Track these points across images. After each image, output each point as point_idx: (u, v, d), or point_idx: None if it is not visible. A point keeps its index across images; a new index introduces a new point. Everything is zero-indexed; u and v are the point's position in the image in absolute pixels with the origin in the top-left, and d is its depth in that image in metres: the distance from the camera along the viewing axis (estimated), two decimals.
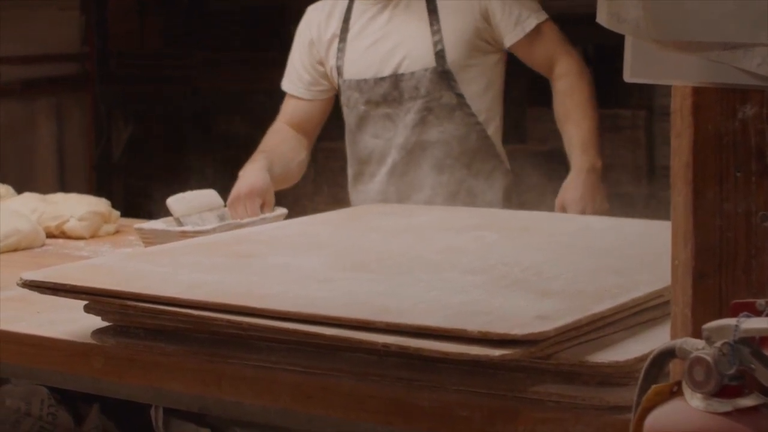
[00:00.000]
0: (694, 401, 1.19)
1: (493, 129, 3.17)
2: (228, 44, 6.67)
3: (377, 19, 3.20)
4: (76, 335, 1.92)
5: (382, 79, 3.16)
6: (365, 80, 3.19)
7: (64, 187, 6.23)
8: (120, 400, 2.01)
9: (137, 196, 6.35)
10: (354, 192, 3.32)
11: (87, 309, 1.88)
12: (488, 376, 1.58)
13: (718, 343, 1.17)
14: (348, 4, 3.24)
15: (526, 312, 1.59)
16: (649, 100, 5.34)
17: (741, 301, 1.22)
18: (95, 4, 6.64)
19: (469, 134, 3.14)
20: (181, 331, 1.82)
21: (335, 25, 3.25)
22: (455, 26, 3.10)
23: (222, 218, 2.79)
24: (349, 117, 3.26)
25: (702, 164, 1.27)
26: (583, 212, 2.93)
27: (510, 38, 3.09)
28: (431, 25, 3.11)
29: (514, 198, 3.25)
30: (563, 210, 2.94)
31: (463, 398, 1.58)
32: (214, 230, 2.59)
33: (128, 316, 1.85)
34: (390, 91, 3.15)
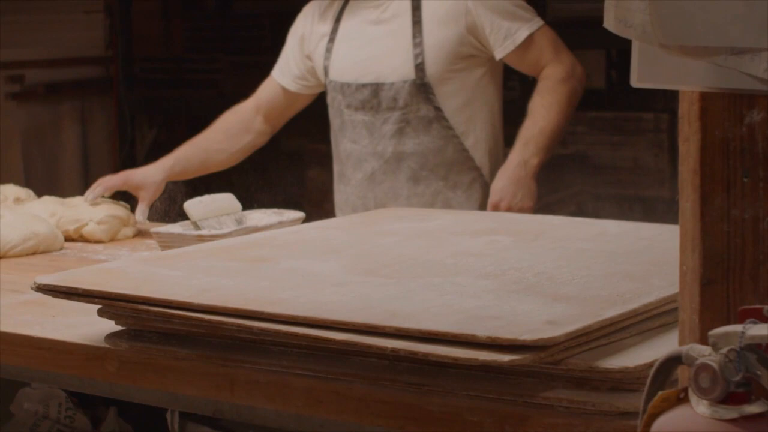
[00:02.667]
0: (700, 408, 1.19)
1: (473, 141, 3.18)
2: (252, 48, 6.67)
3: (365, 24, 3.23)
4: (91, 339, 1.93)
5: (364, 85, 3.19)
6: (348, 84, 3.22)
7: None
8: (137, 403, 2.01)
9: (161, 200, 6.37)
10: (336, 191, 3.38)
11: (100, 313, 1.89)
12: (498, 382, 1.58)
13: (724, 350, 1.17)
14: (342, 4, 3.28)
15: (537, 317, 1.59)
16: (672, 104, 5.32)
17: (748, 307, 1.21)
18: (120, 8, 6.65)
19: (446, 147, 3.17)
20: (193, 335, 1.83)
21: (328, 23, 3.29)
22: (438, 40, 3.12)
23: (239, 222, 2.79)
24: (333, 118, 3.32)
25: (709, 170, 1.26)
26: (499, 202, 2.97)
27: (500, 51, 3.11)
28: (414, 36, 3.13)
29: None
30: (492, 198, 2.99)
31: (473, 403, 1.57)
32: (230, 234, 2.59)
33: (141, 320, 1.85)
34: (370, 98, 3.19)
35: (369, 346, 1.59)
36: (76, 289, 1.86)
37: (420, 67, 3.12)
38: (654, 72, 1.28)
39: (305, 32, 3.35)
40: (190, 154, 3.39)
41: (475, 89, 3.18)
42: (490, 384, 1.58)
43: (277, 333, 1.68)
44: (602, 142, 5.22)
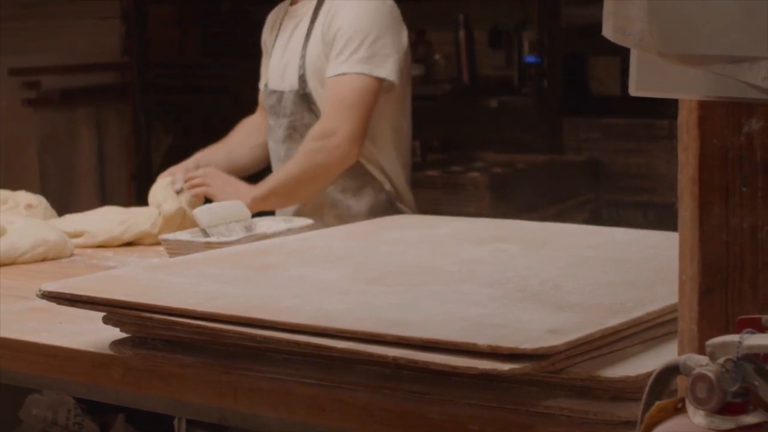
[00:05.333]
0: (697, 418, 1.18)
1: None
2: None
3: (286, 37, 3.47)
4: (96, 346, 1.93)
5: (273, 92, 3.45)
6: (266, 90, 3.51)
7: (105, 196, 6.27)
8: (145, 410, 2.02)
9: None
10: None
11: (105, 320, 1.89)
12: (500, 390, 1.58)
13: (721, 360, 1.16)
14: (281, 19, 3.55)
15: (539, 326, 1.59)
16: None
17: (746, 317, 1.20)
18: (136, 14, 6.66)
19: None
20: (197, 343, 1.83)
21: (273, 35, 3.58)
22: (315, 53, 3.34)
23: (248, 229, 2.79)
24: (267, 119, 3.55)
25: (708, 179, 1.26)
26: (202, 175, 3.25)
27: (328, 72, 3.32)
28: (302, 49, 3.36)
29: (391, 212, 3.40)
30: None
31: (475, 412, 1.57)
32: (238, 241, 2.59)
33: (145, 327, 1.85)
34: (275, 105, 3.44)
35: (371, 355, 1.59)
36: (81, 296, 1.86)
37: (302, 78, 3.35)
38: (653, 80, 1.27)
39: (265, 40, 3.64)
40: (212, 150, 3.58)
41: None
42: (492, 393, 1.58)
43: (279, 341, 1.68)
44: (616, 148, 5.20)
